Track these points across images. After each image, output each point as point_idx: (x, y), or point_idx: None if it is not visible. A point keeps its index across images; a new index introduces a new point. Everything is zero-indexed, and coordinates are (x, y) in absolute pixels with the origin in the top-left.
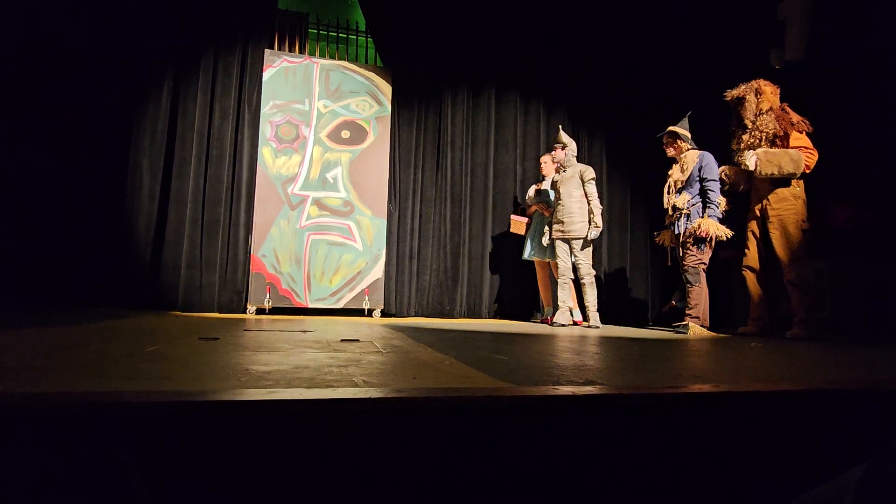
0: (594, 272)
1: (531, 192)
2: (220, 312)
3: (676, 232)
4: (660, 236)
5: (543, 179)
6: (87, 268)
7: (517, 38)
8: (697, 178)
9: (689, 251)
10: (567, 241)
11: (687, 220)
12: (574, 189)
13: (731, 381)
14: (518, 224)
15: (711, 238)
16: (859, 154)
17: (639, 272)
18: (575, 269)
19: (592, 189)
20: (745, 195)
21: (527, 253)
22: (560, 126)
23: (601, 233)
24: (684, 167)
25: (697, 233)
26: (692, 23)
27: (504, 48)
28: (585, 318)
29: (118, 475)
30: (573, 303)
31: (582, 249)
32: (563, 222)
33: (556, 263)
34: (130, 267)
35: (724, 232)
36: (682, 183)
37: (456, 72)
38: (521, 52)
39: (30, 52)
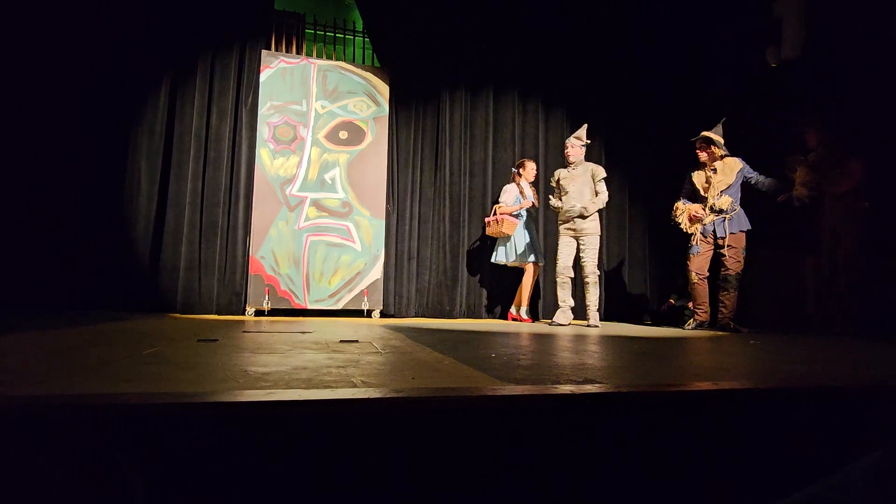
0: (598, 272)
1: (530, 193)
2: (218, 314)
3: (721, 235)
4: (679, 218)
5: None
6: (85, 270)
7: (515, 38)
8: (741, 183)
9: (736, 258)
10: (577, 238)
11: (730, 224)
12: (585, 187)
13: (731, 379)
14: (511, 225)
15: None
16: (858, 152)
17: (638, 271)
18: (580, 267)
19: (603, 187)
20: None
21: (517, 257)
22: (586, 124)
23: (600, 232)
24: (728, 171)
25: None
26: (690, 22)
27: (502, 47)
28: (585, 316)
29: (118, 477)
30: (572, 301)
31: (588, 248)
32: (575, 220)
33: (531, 265)
34: (129, 269)
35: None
36: (725, 185)
37: (454, 71)
38: (520, 51)
39: (28, 54)
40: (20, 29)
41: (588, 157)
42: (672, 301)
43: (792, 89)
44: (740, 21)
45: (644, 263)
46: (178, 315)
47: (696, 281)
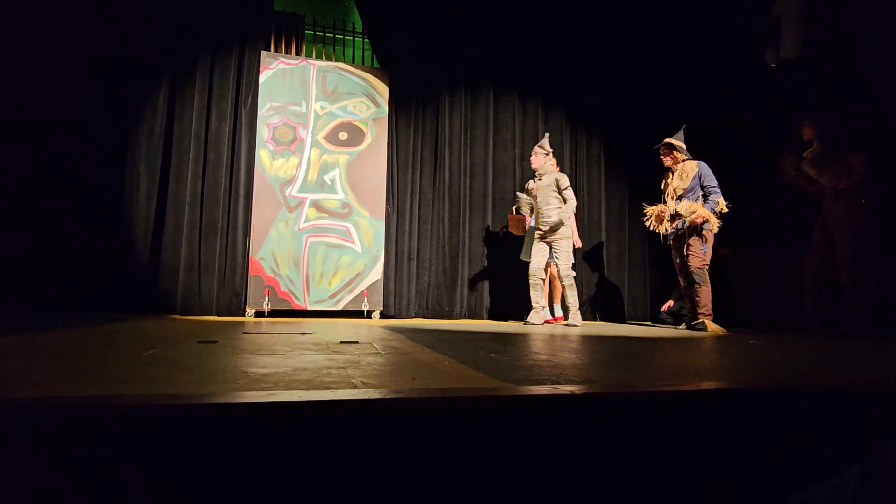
0: (574, 273)
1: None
2: (218, 315)
3: (679, 234)
4: (648, 220)
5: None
6: (85, 272)
7: (515, 38)
8: (699, 186)
9: (694, 253)
10: (549, 244)
11: (687, 227)
12: (550, 196)
13: (731, 379)
14: (519, 223)
15: (707, 233)
16: (858, 148)
17: (637, 271)
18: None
19: (570, 194)
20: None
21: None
22: (548, 133)
23: (600, 232)
24: (684, 176)
25: (692, 219)
26: (690, 22)
27: (502, 47)
28: (566, 316)
29: (118, 479)
30: (545, 302)
31: (561, 252)
32: (543, 227)
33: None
34: (129, 270)
35: (714, 222)
36: (682, 190)
37: (454, 71)
38: (520, 51)
39: (28, 54)
40: (20, 29)
41: (588, 159)
42: (671, 302)
43: (791, 90)
44: (740, 21)
45: (644, 264)
46: (177, 316)
47: (684, 284)
